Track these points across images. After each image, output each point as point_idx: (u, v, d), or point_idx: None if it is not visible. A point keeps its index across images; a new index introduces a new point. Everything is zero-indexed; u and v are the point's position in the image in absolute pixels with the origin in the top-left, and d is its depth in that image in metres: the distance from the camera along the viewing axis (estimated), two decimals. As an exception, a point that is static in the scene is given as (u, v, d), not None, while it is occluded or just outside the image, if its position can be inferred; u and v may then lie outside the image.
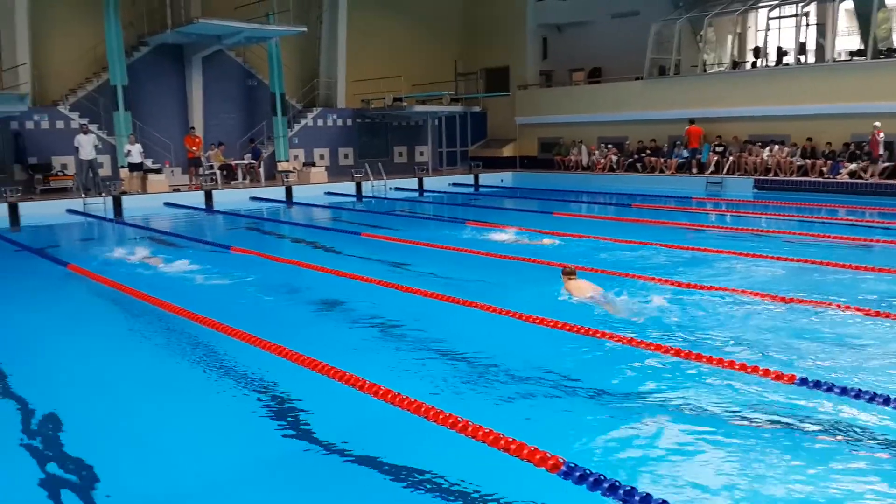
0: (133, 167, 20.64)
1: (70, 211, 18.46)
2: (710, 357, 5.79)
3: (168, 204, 19.93)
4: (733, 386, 5.39)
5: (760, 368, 5.48)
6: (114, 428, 5.12)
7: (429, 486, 4.08)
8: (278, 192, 21.81)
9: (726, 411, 5.01)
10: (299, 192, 21.96)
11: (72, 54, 21.88)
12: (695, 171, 23.26)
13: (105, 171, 21.27)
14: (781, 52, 23.66)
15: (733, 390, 5.34)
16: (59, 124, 21.05)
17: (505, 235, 13.01)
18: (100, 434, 5.02)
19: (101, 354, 6.97)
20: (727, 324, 7.14)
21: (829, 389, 5.07)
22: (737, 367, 5.55)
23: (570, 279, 8.26)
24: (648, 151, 25.03)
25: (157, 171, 21.53)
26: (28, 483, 4.27)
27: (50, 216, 17.84)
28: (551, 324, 6.84)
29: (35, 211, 18.01)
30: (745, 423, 4.81)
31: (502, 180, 27.40)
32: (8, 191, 17.67)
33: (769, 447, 4.45)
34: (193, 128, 22.95)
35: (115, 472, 4.41)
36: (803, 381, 5.19)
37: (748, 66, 24.76)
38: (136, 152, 20.61)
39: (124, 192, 19.54)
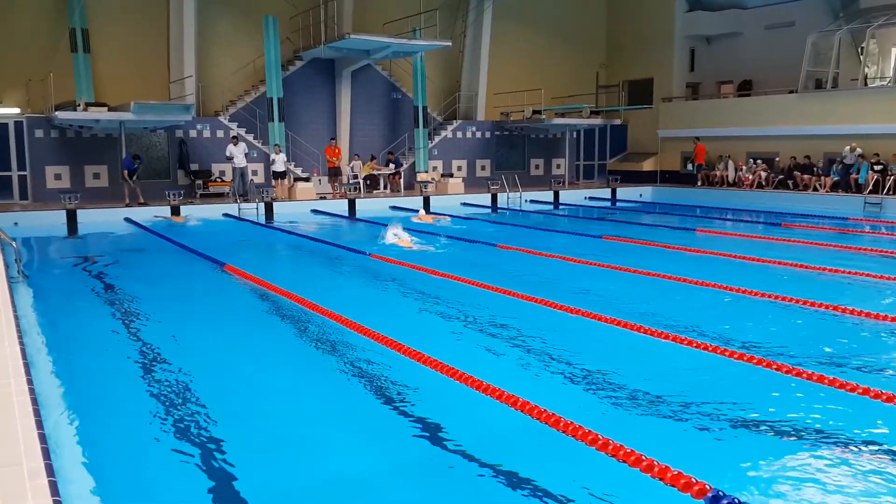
0: (277, 175, 21.80)
1: (226, 215, 19.69)
2: (867, 388, 5.44)
3: (314, 211, 20.87)
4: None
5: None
6: (251, 421, 5.43)
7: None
8: (416, 202, 22.31)
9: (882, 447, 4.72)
10: (437, 202, 22.38)
11: (233, 67, 23.37)
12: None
13: (259, 178, 22.59)
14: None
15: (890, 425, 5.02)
16: (219, 133, 22.53)
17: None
18: (236, 424, 5.33)
19: (247, 348, 7.41)
20: (885, 353, 6.70)
21: None
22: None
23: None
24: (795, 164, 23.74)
25: (306, 180, 22.66)
26: (163, 464, 4.63)
27: (208, 219, 19.10)
28: (700, 346, 6.65)
29: (195, 213, 19.36)
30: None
31: (641, 195, 26.75)
32: (172, 194, 19.05)
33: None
34: (334, 139, 23.92)
35: (248, 462, 4.65)
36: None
37: (915, 79, 23.07)
38: (279, 161, 21.72)
39: (275, 199, 20.62)
